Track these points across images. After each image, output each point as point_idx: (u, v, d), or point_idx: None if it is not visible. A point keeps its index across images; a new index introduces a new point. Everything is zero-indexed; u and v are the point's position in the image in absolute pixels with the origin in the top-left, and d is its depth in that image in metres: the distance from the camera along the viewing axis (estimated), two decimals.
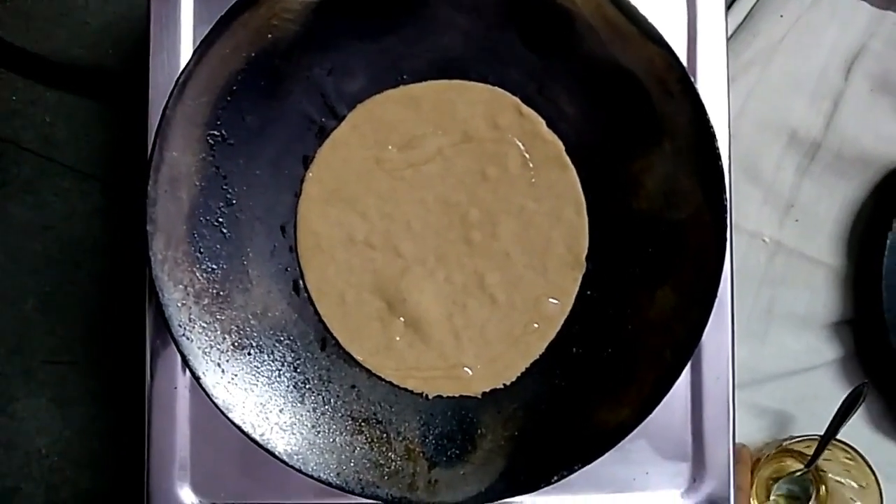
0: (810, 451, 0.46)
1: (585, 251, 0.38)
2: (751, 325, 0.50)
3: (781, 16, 0.49)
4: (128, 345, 0.49)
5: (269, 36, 0.34)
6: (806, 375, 0.50)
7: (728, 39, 0.42)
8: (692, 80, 0.34)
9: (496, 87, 0.39)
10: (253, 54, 0.34)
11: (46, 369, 0.51)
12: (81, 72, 0.52)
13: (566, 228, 0.38)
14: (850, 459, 0.46)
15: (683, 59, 0.41)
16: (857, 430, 0.49)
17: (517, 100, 0.38)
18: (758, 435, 0.50)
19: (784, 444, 0.46)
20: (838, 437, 0.45)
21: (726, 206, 0.34)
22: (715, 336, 0.40)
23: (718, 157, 0.34)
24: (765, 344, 0.50)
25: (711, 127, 0.33)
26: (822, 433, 0.45)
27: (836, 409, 0.45)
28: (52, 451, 0.51)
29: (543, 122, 0.38)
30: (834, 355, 0.50)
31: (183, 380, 0.39)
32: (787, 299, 0.51)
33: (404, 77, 0.39)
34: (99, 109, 0.52)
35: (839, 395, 0.47)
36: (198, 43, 0.33)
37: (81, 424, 0.51)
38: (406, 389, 0.39)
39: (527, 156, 0.38)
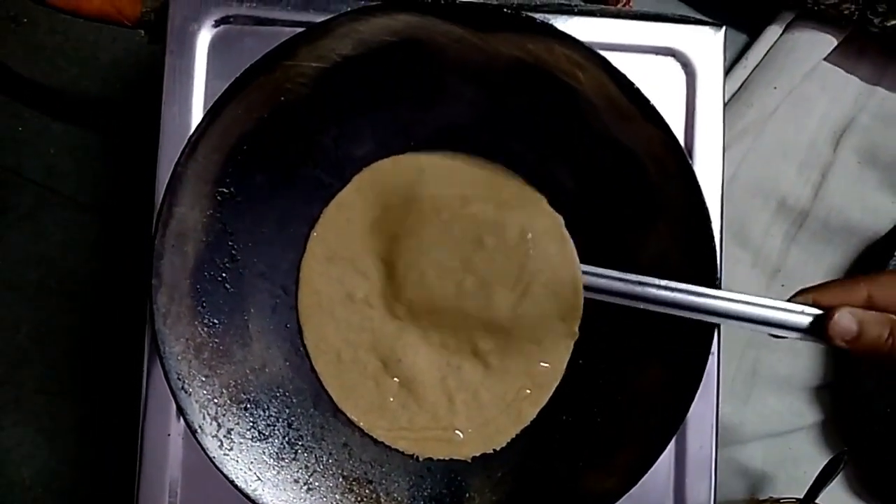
0: None
1: (579, 321, 0.39)
2: (735, 385, 0.51)
3: (775, 87, 0.51)
4: (120, 379, 0.50)
5: (282, 98, 0.35)
6: (787, 437, 0.51)
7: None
8: (689, 160, 0.35)
9: (498, 164, 0.39)
10: (265, 115, 0.35)
11: (36, 399, 0.51)
12: (88, 105, 0.52)
13: (561, 298, 0.39)
14: None
15: (681, 129, 0.42)
16: (836, 494, 0.50)
17: (520, 179, 0.39)
18: (738, 494, 0.51)
19: None
20: (817, 500, 0.46)
21: (717, 287, 0.35)
22: (701, 405, 0.40)
23: (712, 238, 0.34)
24: (748, 404, 0.51)
25: (706, 209, 0.34)
26: (801, 496, 0.46)
27: (816, 473, 0.46)
28: (36, 483, 0.50)
29: (545, 199, 0.39)
30: (815, 419, 0.51)
31: (176, 427, 0.39)
32: (771, 361, 0.52)
33: (412, 143, 0.39)
34: (103, 143, 0.52)
35: (819, 458, 0.48)
36: (212, 101, 0.34)
37: (68, 457, 0.50)
38: (397, 450, 0.39)
39: (525, 228, 0.39)
